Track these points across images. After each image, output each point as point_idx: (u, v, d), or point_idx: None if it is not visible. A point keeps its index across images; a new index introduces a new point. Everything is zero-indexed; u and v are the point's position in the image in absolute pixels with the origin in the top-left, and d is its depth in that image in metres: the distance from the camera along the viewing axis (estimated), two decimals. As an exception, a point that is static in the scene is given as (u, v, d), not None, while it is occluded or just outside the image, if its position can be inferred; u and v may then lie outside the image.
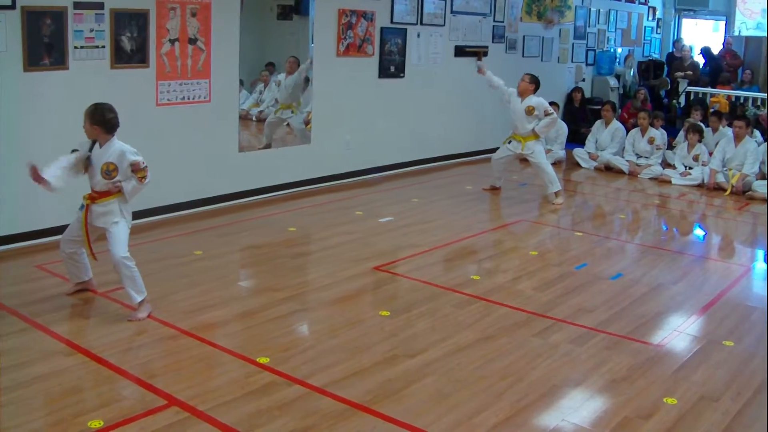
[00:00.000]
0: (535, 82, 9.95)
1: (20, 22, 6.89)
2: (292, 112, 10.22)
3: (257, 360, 5.07)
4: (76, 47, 7.34)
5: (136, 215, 7.83)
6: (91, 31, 7.43)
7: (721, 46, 17.57)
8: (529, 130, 9.84)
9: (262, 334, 5.53)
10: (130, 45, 7.76)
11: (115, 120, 5.71)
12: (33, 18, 6.98)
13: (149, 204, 8.18)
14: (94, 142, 5.73)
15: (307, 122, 10.17)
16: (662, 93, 16.42)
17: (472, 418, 4.45)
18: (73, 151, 5.73)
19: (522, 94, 9.90)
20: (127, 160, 5.70)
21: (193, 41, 8.33)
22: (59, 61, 7.24)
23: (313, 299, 6.34)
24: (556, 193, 9.96)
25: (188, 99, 8.42)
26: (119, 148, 5.71)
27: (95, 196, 5.80)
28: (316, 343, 5.45)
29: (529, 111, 9.80)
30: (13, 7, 6.82)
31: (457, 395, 4.72)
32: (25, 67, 7.01)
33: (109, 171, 5.71)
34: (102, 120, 5.65)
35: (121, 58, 7.71)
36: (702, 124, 12.36)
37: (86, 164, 5.74)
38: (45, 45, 7.11)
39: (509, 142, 10.10)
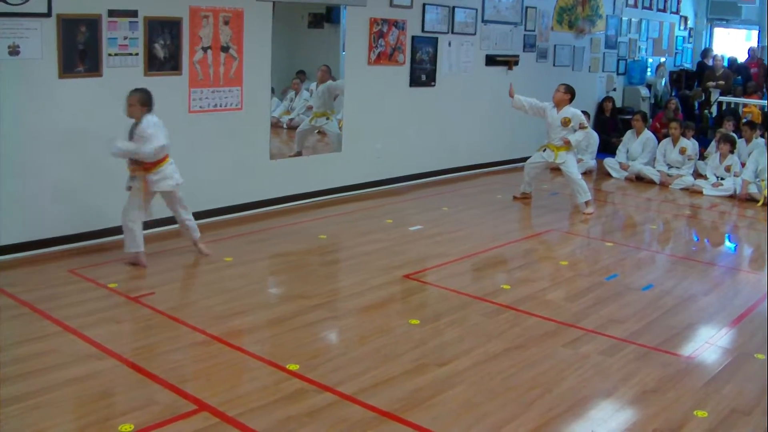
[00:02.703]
0: (571, 92, 9.97)
1: (56, 29, 6.98)
2: (327, 119, 10.26)
3: (287, 367, 5.09)
4: (110, 54, 7.41)
5: (167, 221, 7.94)
6: (125, 38, 7.51)
7: (747, 55, 17.46)
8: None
9: (292, 341, 5.55)
10: (163, 52, 7.83)
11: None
12: (68, 25, 7.06)
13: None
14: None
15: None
16: (695, 103, 16.31)
17: (501, 428, 4.44)
18: None
19: (558, 105, 9.93)
20: None
21: (225, 49, 8.39)
22: (93, 68, 7.32)
23: (342, 307, 6.35)
24: (587, 203, 9.93)
25: (220, 106, 8.47)
26: None
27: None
28: (346, 351, 5.46)
29: (566, 122, 9.82)
30: (48, 14, 6.91)
31: (486, 405, 4.71)
32: (60, 73, 7.09)
33: None
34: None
35: (154, 65, 7.78)
36: (734, 135, 12.27)
37: None
38: (80, 52, 7.19)
39: (543, 150, 10.11)
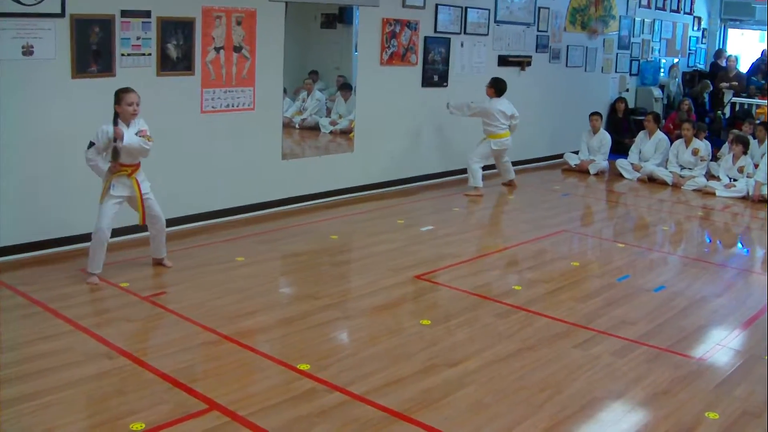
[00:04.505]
0: (493, 86, 10.75)
1: (69, 29, 7.01)
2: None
3: (298, 366, 5.09)
4: (123, 54, 7.44)
5: (179, 221, 7.96)
6: (138, 38, 7.53)
7: (760, 55, 17.38)
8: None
9: (303, 340, 5.56)
10: (176, 53, 7.85)
11: None
12: (81, 26, 7.09)
13: (192, 210, 8.27)
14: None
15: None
16: (706, 103, 16.23)
17: (512, 429, 4.44)
18: None
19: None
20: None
21: (238, 49, 8.41)
22: (106, 68, 7.34)
23: (353, 307, 6.35)
24: (476, 188, 10.72)
25: (233, 107, 8.49)
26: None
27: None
28: (357, 351, 5.46)
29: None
30: (62, 15, 6.94)
31: (496, 406, 4.71)
32: (73, 73, 7.12)
33: None
34: None
35: (166, 65, 7.81)
36: (749, 136, 12.22)
37: None
38: (93, 52, 7.22)
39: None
